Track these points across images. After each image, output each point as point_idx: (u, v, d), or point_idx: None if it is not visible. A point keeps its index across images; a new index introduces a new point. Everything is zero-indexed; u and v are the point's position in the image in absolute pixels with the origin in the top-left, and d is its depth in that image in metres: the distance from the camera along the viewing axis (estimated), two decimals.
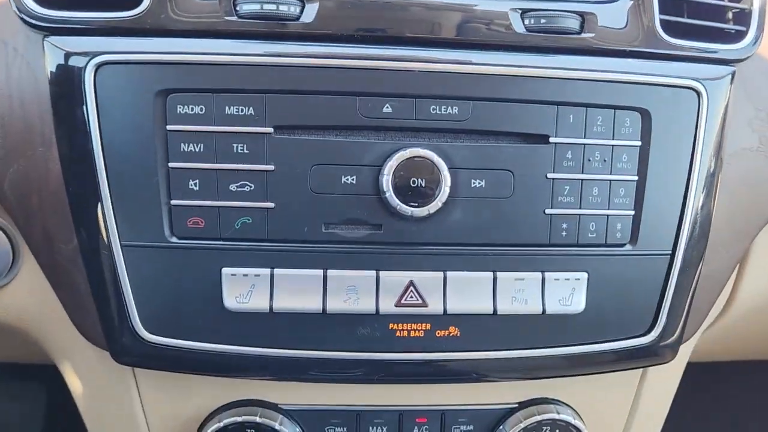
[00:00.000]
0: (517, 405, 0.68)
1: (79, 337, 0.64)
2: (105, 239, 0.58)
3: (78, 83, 0.56)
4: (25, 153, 0.60)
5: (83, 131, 0.57)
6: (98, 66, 0.56)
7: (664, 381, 0.73)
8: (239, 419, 0.63)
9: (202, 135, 0.57)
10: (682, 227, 0.63)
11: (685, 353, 0.74)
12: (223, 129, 0.57)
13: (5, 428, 1.49)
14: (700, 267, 0.65)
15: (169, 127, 0.57)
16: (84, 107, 0.57)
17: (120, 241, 0.58)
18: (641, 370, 0.71)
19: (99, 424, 0.69)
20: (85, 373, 0.68)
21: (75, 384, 0.69)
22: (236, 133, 0.57)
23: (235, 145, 0.57)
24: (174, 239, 0.58)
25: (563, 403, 0.69)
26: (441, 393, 0.67)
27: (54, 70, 0.57)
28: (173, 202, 0.58)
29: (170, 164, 0.57)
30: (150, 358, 0.60)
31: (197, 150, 0.57)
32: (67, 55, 0.57)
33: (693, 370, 0.88)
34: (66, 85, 0.57)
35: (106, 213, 0.58)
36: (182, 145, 0.57)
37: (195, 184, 0.58)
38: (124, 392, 0.66)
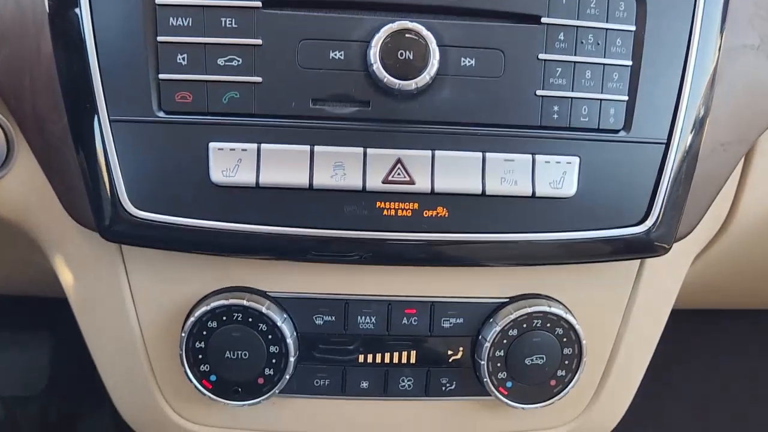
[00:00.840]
0: (507, 299, 0.67)
1: (69, 225, 0.65)
2: (95, 115, 0.58)
3: None
4: (17, 35, 0.61)
5: (74, 9, 0.57)
6: None
7: (660, 285, 0.72)
8: (227, 302, 0.63)
9: (190, 9, 0.57)
10: (678, 116, 0.62)
11: (683, 259, 0.73)
12: (212, 2, 0.57)
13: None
14: (696, 160, 0.64)
15: (158, 1, 0.57)
16: None
17: (108, 116, 0.58)
18: (636, 270, 0.70)
19: (89, 315, 0.70)
20: (75, 262, 0.68)
21: (66, 276, 0.70)
22: (225, 7, 0.57)
23: (223, 19, 0.57)
24: (162, 114, 0.58)
25: (555, 299, 0.68)
26: (430, 285, 0.66)
27: None
28: (161, 76, 0.58)
29: (159, 38, 0.57)
30: (137, 235, 0.60)
31: (185, 24, 0.57)
32: None
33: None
34: None
35: (95, 88, 0.58)
36: (171, 19, 0.57)
37: (183, 59, 0.58)
38: (114, 279, 0.66)
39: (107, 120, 0.58)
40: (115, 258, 0.65)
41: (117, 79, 0.58)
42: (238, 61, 0.58)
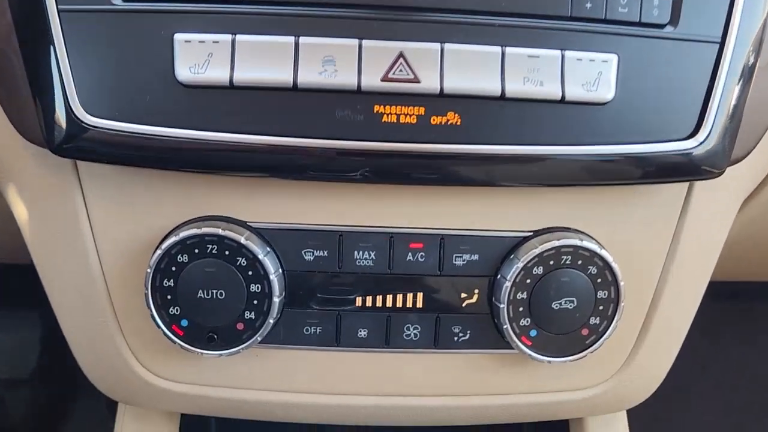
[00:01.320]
0: (531, 233, 0.57)
1: (20, 146, 0.56)
2: (41, 4, 0.49)
3: None
4: None
5: None
6: None
7: (709, 221, 0.61)
8: (199, 231, 0.53)
9: None
10: (734, 9, 0.52)
11: (735, 191, 0.62)
12: None
13: None
14: (756, 63, 0.54)
15: None
16: None
17: (57, 5, 0.49)
18: (683, 200, 0.59)
19: (45, 254, 0.60)
20: (28, 191, 0.59)
21: (20, 210, 0.61)
22: None
23: None
24: (119, 1, 0.49)
25: (587, 233, 0.58)
26: (440, 214, 0.56)
27: None
28: None
29: None
30: (91, 148, 0.51)
31: None
32: None
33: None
34: None
35: None
36: None
37: None
38: (70, 208, 0.57)
39: (55, 9, 0.49)
40: (71, 182, 0.56)
41: None
42: None
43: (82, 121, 0.50)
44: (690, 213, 0.60)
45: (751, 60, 0.54)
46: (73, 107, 0.50)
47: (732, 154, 0.56)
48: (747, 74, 0.54)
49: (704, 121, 0.53)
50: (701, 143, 0.53)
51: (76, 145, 0.51)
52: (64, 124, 0.50)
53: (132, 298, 0.58)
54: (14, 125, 0.55)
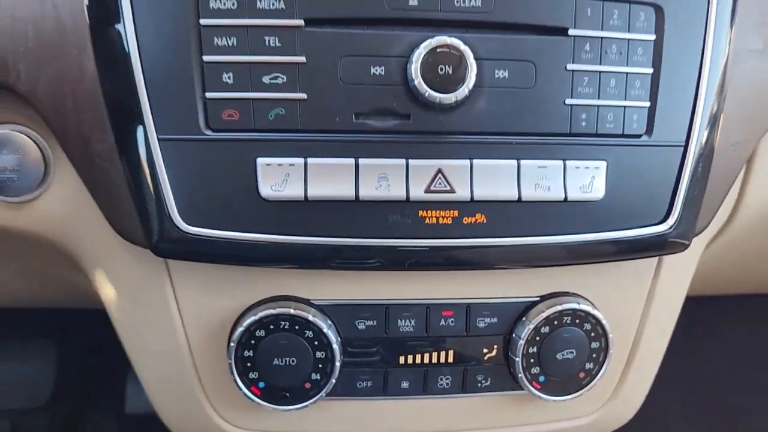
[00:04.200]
0: (538, 298, 0.71)
1: (113, 241, 0.66)
2: (143, 134, 0.60)
3: None
4: (58, 56, 0.62)
5: (118, 33, 0.59)
6: None
7: (677, 276, 0.76)
8: (274, 312, 0.65)
9: (235, 29, 0.59)
10: (695, 120, 0.66)
11: (697, 250, 0.77)
12: (256, 22, 0.59)
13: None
14: (711, 159, 0.68)
15: (202, 21, 0.58)
16: (119, 9, 0.58)
17: (157, 135, 0.60)
18: (655, 266, 0.74)
19: (133, 328, 0.71)
20: (119, 277, 0.70)
21: (107, 290, 0.71)
22: (268, 26, 0.59)
23: (267, 38, 0.59)
24: (209, 132, 0.60)
25: (582, 296, 0.72)
26: (466, 287, 0.69)
27: None
28: (208, 95, 0.59)
29: (204, 57, 0.59)
30: (189, 250, 0.62)
31: (230, 44, 0.59)
32: None
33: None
34: None
35: (143, 108, 0.59)
36: (215, 39, 0.59)
37: (229, 77, 0.59)
38: (160, 293, 0.68)
39: (156, 139, 0.60)
40: (161, 272, 0.67)
41: (164, 98, 0.59)
42: (283, 78, 0.60)
43: (180, 229, 0.61)
44: (662, 273, 0.75)
45: (708, 155, 0.68)
46: (173, 218, 0.61)
47: (695, 230, 0.70)
48: (705, 167, 0.68)
49: (673, 209, 0.67)
50: (671, 227, 0.67)
51: (175, 248, 0.62)
52: (165, 232, 0.61)
53: (213, 365, 0.69)
54: (112, 225, 0.65)
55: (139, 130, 0.60)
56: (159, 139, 0.60)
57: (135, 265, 0.67)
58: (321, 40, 0.59)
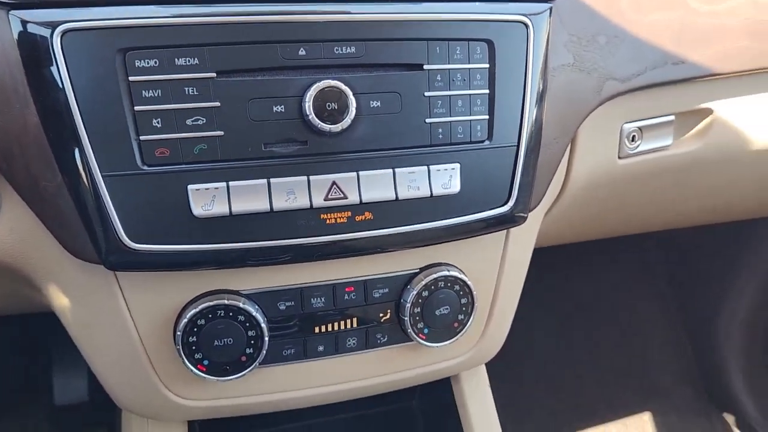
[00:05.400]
0: (419, 270, 0.91)
1: (64, 259, 0.79)
2: (88, 173, 0.73)
3: (46, 49, 0.69)
4: (2, 111, 0.73)
5: (57, 89, 0.70)
6: (63, 33, 0.70)
7: (522, 242, 0.99)
8: (211, 303, 0.81)
9: (158, 82, 0.73)
10: (523, 125, 0.87)
11: (535, 221, 1.00)
12: (176, 77, 0.73)
13: None
14: (537, 154, 0.90)
15: (131, 78, 0.72)
16: (55, 68, 0.70)
17: (101, 173, 0.73)
18: (504, 236, 0.96)
19: (88, 333, 0.84)
20: (71, 289, 0.83)
21: (61, 301, 0.84)
22: (186, 79, 0.73)
23: (186, 88, 0.73)
24: (146, 167, 0.74)
25: (452, 264, 0.93)
26: (362, 268, 0.88)
27: (22, 39, 0.70)
28: (141, 138, 0.73)
29: (136, 108, 0.72)
30: (136, 262, 0.76)
31: (156, 95, 0.73)
32: (33, 26, 0.69)
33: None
34: (35, 51, 0.70)
35: (87, 152, 0.72)
36: (143, 92, 0.72)
37: (158, 122, 0.73)
38: (111, 298, 0.81)
39: (100, 176, 0.73)
40: (111, 281, 0.81)
41: (104, 142, 0.72)
42: (203, 120, 0.74)
43: (128, 247, 0.75)
44: (509, 241, 0.97)
45: (534, 151, 0.89)
46: (121, 238, 0.74)
47: (530, 207, 0.92)
48: (533, 160, 0.90)
49: (512, 194, 0.88)
50: (511, 207, 0.88)
51: (124, 262, 0.76)
52: (115, 250, 0.75)
53: (164, 351, 0.84)
54: (65, 247, 0.77)
55: (85, 169, 0.72)
56: (103, 176, 0.73)
57: (86, 278, 0.81)
58: (231, 87, 0.74)
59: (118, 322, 0.83)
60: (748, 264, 1.96)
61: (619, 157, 1.09)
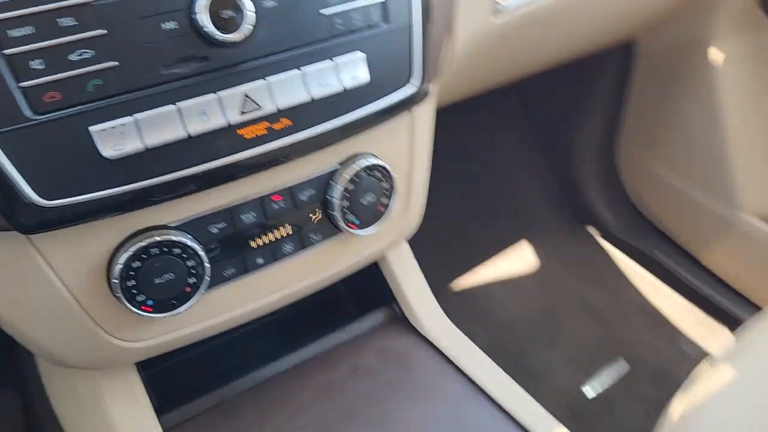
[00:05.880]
0: (339, 165, 0.92)
1: None
2: None
3: None
4: None
5: None
6: None
7: (425, 116, 1.01)
8: (143, 243, 0.77)
9: (27, 17, 0.64)
10: (412, 8, 0.86)
11: (434, 93, 1.02)
12: (46, 7, 0.64)
13: None
14: (430, 30, 0.90)
15: None
16: None
17: None
18: (411, 118, 0.98)
19: (11, 302, 0.78)
20: None
21: None
22: (59, 8, 0.65)
23: (61, 20, 0.65)
24: (38, 117, 0.66)
25: (369, 153, 0.94)
26: (287, 175, 0.87)
27: None
28: (22, 84, 0.65)
29: (5, 51, 0.64)
30: (53, 220, 0.70)
31: (29, 33, 0.64)
32: None
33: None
34: None
35: None
36: (9, 31, 0.63)
37: (39, 63, 0.65)
38: (29, 261, 0.75)
39: None
40: (25, 244, 0.74)
41: None
42: (90, 52, 0.67)
43: (38, 205, 0.68)
44: (415, 117, 0.99)
45: (426, 31, 0.90)
46: (29, 197, 0.67)
47: (429, 83, 0.94)
48: (428, 39, 0.90)
49: (414, 72, 0.89)
50: (415, 85, 0.90)
51: (39, 222, 0.70)
52: (25, 212, 0.68)
53: (101, 301, 0.80)
54: None
55: None
56: None
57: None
58: (113, 10, 0.67)
59: (45, 287, 0.77)
60: (592, 99, 2.16)
61: (494, 16, 1.13)
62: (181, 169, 0.75)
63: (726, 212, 1.82)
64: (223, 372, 1.05)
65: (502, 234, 2.25)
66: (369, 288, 1.21)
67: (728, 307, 1.83)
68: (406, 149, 1.00)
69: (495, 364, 1.09)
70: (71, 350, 0.85)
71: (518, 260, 2.15)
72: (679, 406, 0.92)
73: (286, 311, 1.09)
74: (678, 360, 1.78)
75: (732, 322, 1.78)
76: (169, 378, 1.03)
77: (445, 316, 1.16)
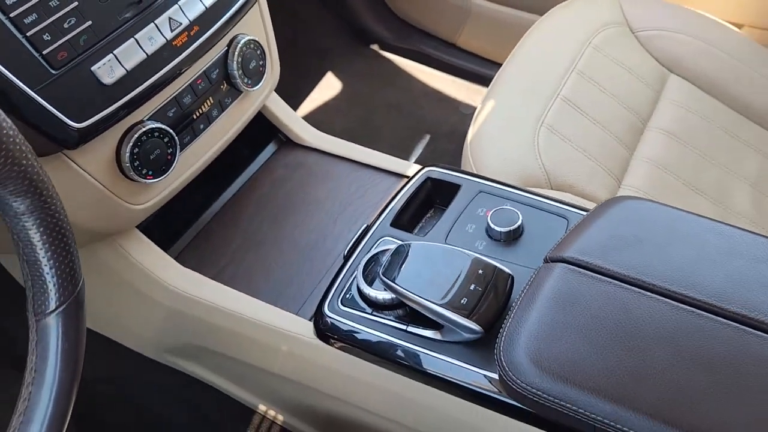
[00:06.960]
0: (227, 47, 1.33)
1: None
2: (24, 94, 0.98)
3: None
4: None
5: None
6: None
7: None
8: (137, 134, 1.15)
9: (31, 9, 0.97)
10: None
11: None
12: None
13: None
14: None
15: (11, 15, 0.95)
16: None
17: (32, 90, 0.99)
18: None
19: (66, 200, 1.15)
20: None
21: None
22: None
23: (49, 3, 0.99)
24: (57, 71, 1.01)
25: (245, 34, 1.35)
26: (201, 64, 1.26)
27: None
28: (44, 52, 0.99)
29: (27, 34, 0.97)
30: (86, 136, 1.06)
31: (35, 18, 0.97)
32: None
33: None
34: None
35: (15, 84, 0.97)
36: (24, 20, 0.96)
37: (47, 36, 0.98)
38: (69, 171, 1.11)
39: (32, 92, 0.99)
40: (65, 161, 1.10)
41: (23, 67, 0.97)
42: (73, 19, 1.01)
43: (75, 128, 1.04)
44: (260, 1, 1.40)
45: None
46: (70, 124, 1.04)
47: None
48: None
49: None
50: None
51: (78, 139, 1.07)
52: (67, 134, 1.05)
53: (116, 181, 1.18)
54: None
55: (16, 82, 0.97)
56: (35, 91, 0.99)
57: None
58: None
59: (81, 182, 1.14)
60: None
61: None
62: (148, 78, 1.14)
63: (462, 1, 2.42)
64: (191, 211, 1.49)
65: (314, 71, 2.69)
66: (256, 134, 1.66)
67: (485, 72, 2.49)
68: (261, 25, 1.42)
69: (355, 144, 1.61)
70: (101, 221, 1.24)
71: (332, 88, 2.65)
72: (470, 136, 1.54)
73: (216, 162, 1.50)
74: (463, 120, 2.46)
75: (487, 82, 2.47)
76: (159, 227, 1.44)
77: (315, 129, 1.66)
